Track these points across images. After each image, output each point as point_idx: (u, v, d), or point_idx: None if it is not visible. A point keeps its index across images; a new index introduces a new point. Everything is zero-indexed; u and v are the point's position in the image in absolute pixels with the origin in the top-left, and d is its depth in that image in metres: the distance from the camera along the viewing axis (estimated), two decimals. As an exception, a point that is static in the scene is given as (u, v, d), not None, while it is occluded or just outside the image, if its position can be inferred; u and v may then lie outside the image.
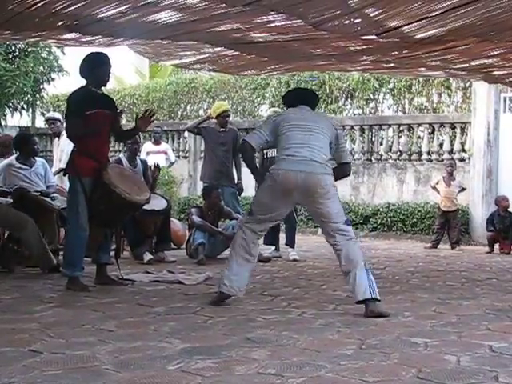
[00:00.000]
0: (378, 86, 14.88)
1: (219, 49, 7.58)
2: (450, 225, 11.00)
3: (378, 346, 3.97)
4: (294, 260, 8.53)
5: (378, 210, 12.71)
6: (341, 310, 5.17)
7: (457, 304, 5.56)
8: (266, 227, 5.44)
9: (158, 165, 8.65)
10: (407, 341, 4.14)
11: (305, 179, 5.03)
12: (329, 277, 7.11)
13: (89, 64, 5.97)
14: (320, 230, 12.97)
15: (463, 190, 11.25)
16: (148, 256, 7.95)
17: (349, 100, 15.72)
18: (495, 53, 7.09)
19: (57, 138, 9.82)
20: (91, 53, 6.15)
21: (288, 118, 5.36)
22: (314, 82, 15.48)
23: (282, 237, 8.96)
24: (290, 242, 8.80)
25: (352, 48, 7.08)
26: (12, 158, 7.71)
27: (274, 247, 8.97)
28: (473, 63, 7.79)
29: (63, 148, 9.36)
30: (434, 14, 5.49)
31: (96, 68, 5.96)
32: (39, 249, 6.72)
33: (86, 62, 6.00)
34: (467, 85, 13.47)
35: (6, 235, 7.31)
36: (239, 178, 9.13)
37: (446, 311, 5.20)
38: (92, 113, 5.80)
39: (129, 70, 23.65)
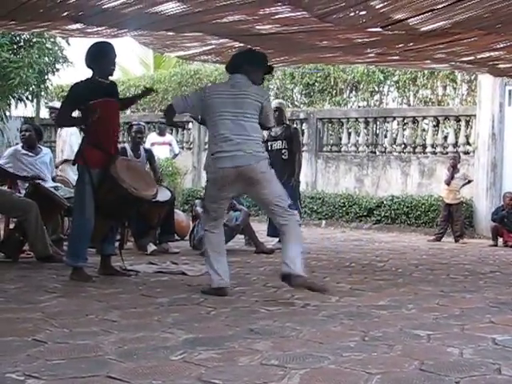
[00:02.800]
0: (382, 79, 14.87)
1: (224, 40, 7.58)
2: (453, 218, 10.99)
3: (380, 338, 3.97)
4: (298, 252, 8.51)
5: (382, 202, 12.70)
6: (344, 302, 5.18)
7: (460, 297, 5.56)
8: (219, 221, 5.54)
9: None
10: (410, 333, 4.14)
11: (243, 172, 5.15)
12: (332, 269, 7.12)
13: (94, 54, 5.95)
14: (324, 222, 13.06)
15: (469, 182, 11.23)
16: (152, 247, 7.96)
17: (353, 92, 15.72)
18: (501, 46, 7.06)
19: (59, 128, 9.83)
20: (96, 43, 6.12)
21: (214, 102, 5.27)
22: (318, 74, 15.46)
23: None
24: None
25: (357, 40, 7.07)
26: (18, 145, 7.79)
27: (277, 239, 8.97)
28: (478, 56, 7.77)
29: (65, 138, 9.38)
30: (439, 6, 5.48)
31: (101, 58, 5.93)
32: (36, 236, 6.73)
33: (90, 53, 5.97)
34: (472, 78, 13.45)
35: (12, 226, 7.33)
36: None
37: (449, 304, 5.20)
38: (97, 102, 5.78)
39: (133, 60, 23.66)
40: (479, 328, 4.35)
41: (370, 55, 8.18)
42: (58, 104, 10.26)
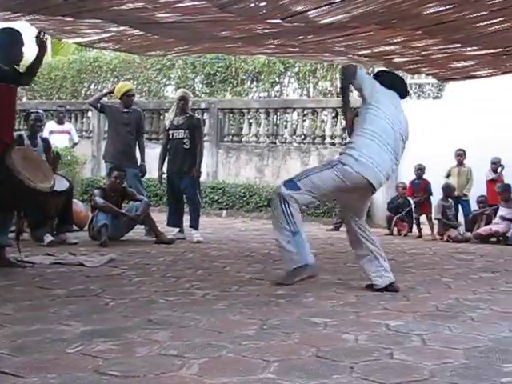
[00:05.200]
0: (283, 70, 15.05)
1: (124, 28, 7.45)
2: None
3: (279, 326, 4.03)
4: (198, 242, 8.53)
5: (282, 192, 12.81)
6: (243, 291, 5.22)
7: (357, 285, 5.70)
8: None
9: (58, 154, 8.55)
10: (307, 321, 4.22)
11: (367, 186, 5.20)
12: (232, 259, 7.16)
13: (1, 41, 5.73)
14: (224, 212, 13.10)
15: None
16: (49, 238, 7.77)
17: (254, 83, 15.83)
18: (396, 40, 7.26)
19: None
20: (4, 29, 5.90)
21: (382, 97, 5.22)
22: (219, 64, 15.48)
23: (186, 218, 8.94)
24: (194, 224, 8.79)
25: (258, 31, 7.11)
26: None
27: (178, 229, 8.95)
28: (375, 50, 7.96)
29: None
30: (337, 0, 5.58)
31: (8, 46, 5.73)
32: None
33: None
34: (370, 70, 13.77)
35: None
36: (142, 160, 9.12)
37: (346, 292, 5.33)
38: None
39: (30, 45, 22.93)
40: (374, 314, 4.48)
41: (271, 46, 8.24)
42: None
